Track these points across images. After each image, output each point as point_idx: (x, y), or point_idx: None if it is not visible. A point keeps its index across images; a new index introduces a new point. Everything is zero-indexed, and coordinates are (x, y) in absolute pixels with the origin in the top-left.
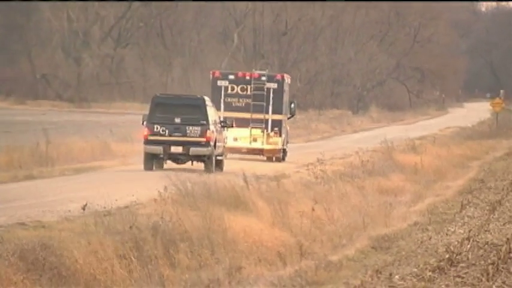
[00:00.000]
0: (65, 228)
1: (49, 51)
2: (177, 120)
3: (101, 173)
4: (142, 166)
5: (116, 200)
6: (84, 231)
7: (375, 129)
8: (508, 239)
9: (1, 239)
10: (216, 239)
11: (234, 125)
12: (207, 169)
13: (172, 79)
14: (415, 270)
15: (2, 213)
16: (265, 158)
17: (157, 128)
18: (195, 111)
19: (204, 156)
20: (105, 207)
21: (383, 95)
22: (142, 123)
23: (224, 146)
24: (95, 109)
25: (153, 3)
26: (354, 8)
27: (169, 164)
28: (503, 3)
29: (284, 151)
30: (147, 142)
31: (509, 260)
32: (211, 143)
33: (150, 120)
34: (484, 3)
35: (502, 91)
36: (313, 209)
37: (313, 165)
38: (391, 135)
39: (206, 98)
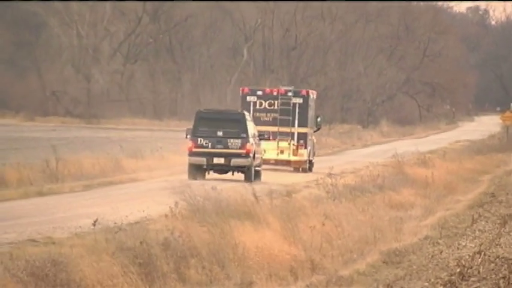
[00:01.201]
0: (75, 244)
1: (59, 68)
2: (219, 133)
3: (112, 189)
4: (158, 180)
5: (127, 216)
6: (94, 248)
7: (385, 143)
8: None
9: (11, 255)
10: (226, 255)
11: (271, 138)
12: (247, 179)
13: (182, 95)
14: (426, 284)
15: (13, 229)
16: (292, 169)
17: (200, 141)
18: (236, 125)
19: (244, 167)
20: (115, 223)
21: (393, 109)
22: (186, 137)
23: (262, 158)
24: (105, 125)
25: (162, 19)
26: (363, 23)
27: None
28: None
29: (310, 162)
30: (192, 154)
31: None
32: (251, 155)
33: (194, 134)
34: (494, 17)
35: None
36: (323, 224)
37: (323, 180)
38: (401, 150)
39: (246, 112)
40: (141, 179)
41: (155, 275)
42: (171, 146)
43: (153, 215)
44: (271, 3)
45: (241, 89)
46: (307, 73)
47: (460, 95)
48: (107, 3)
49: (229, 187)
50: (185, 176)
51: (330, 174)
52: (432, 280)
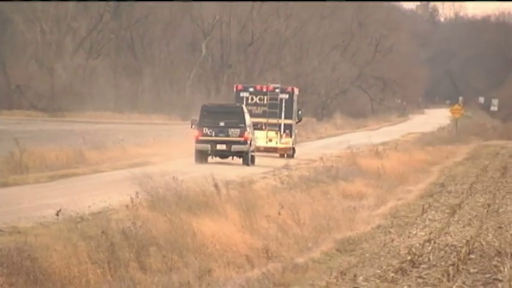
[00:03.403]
0: (40, 233)
1: (23, 63)
2: (221, 124)
3: (75, 180)
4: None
5: (89, 206)
6: (58, 237)
7: (338, 135)
8: (467, 241)
9: None
10: (185, 243)
11: (264, 128)
12: (245, 162)
13: (143, 89)
14: (379, 271)
15: None
16: (278, 155)
17: (205, 130)
18: (235, 116)
19: (243, 152)
20: (78, 213)
21: (346, 102)
22: (191, 127)
23: (256, 145)
24: (68, 118)
25: (123, 16)
26: (317, 20)
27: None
28: (462, 12)
29: (293, 149)
30: (198, 141)
31: (468, 261)
32: (248, 142)
33: (200, 124)
34: (443, 14)
35: (460, 98)
36: (279, 213)
37: (278, 171)
38: (354, 141)
39: (243, 106)
40: (103, 170)
41: (117, 263)
42: (132, 138)
43: (115, 205)
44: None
45: (235, 86)
46: (263, 68)
47: (411, 89)
48: (70, 2)
49: (189, 178)
50: (147, 167)
51: (285, 166)
52: (384, 267)
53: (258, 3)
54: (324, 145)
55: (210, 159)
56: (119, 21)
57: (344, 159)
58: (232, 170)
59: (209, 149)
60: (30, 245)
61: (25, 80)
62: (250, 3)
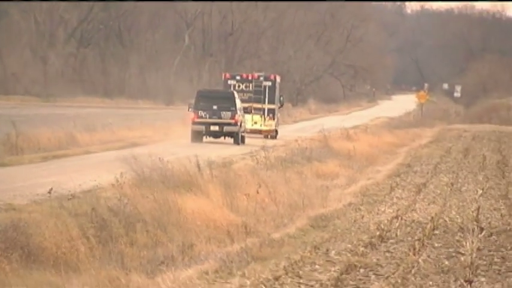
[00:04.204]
0: (33, 210)
1: (18, 51)
2: (215, 107)
3: (67, 160)
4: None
5: (80, 185)
6: (51, 213)
7: (312, 119)
8: (432, 217)
9: None
10: (170, 220)
11: (252, 111)
12: (235, 142)
13: (130, 76)
14: (349, 246)
15: None
16: (262, 136)
17: (200, 113)
18: (227, 101)
19: (233, 132)
20: (70, 191)
21: (320, 89)
22: (188, 110)
23: (245, 126)
24: (60, 103)
25: (112, 8)
26: (293, 11)
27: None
28: (427, 5)
29: (276, 131)
30: (194, 123)
31: (433, 236)
32: (238, 124)
33: (196, 108)
34: (410, 6)
35: (426, 85)
36: (257, 192)
37: (256, 152)
38: (327, 125)
39: (235, 92)
40: (93, 152)
41: (106, 238)
42: (120, 122)
43: (104, 184)
44: None
45: (223, 74)
46: (242, 56)
47: (380, 76)
48: None
49: (174, 159)
50: (134, 148)
51: (263, 147)
52: (355, 242)
53: None
54: (298, 128)
55: (204, 138)
56: (108, 13)
57: (317, 141)
58: (214, 151)
59: (204, 130)
60: (24, 221)
61: (20, 67)
62: None
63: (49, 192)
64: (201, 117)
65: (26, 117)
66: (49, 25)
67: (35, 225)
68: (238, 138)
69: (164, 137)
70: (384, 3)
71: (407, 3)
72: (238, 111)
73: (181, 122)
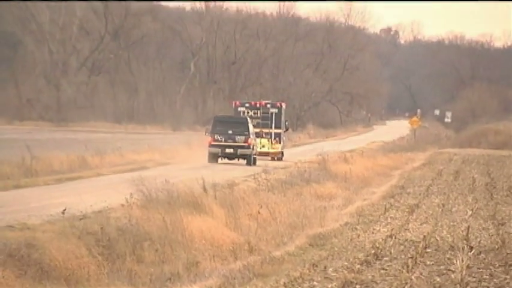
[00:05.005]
0: (47, 229)
1: (33, 79)
2: (230, 132)
3: (79, 182)
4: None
5: (91, 206)
6: (63, 232)
7: (311, 143)
8: (424, 236)
9: None
10: (176, 238)
11: (263, 136)
12: (248, 163)
13: (138, 102)
14: (346, 263)
15: None
16: (269, 158)
17: (217, 137)
18: (241, 126)
19: (247, 155)
20: (81, 212)
21: (318, 114)
22: (205, 134)
23: (257, 149)
24: (72, 128)
25: (122, 38)
26: (292, 41)
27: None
28: (420, 35)
29: (282, 153)
30: (211, 146)
31: (425, 254)
32: (251, 146)
33: (213, 132)
34: (403, 37)
35: (418, 111)
36: (259, 212)
37: (259, 175)
38: (325, 149)
39: (248, 118)
40: (104, 174)
41: (115, 256)
42: (129, 145)
43: (113, 205)
44: (214, 23)
45: (233, 102)
46: (245, 84)
47: (375, 103)
48: (74, 25)
49: (179, 181)
50: (142, 171)
51: (264, 170)
52: (351, 260)
53: (240, 25)
54: (298, 152)
55: (220, 160)
56: (118, 43)
57: (316, 164)
58: (218, 174)
59: (220, 152)
60: (38, 240)
61: (34, 94)
62: (234, 25)
63: (63, 213)
64: (218, 140)
65: (40, 142)
66: (62, 54)
67: (48, 243)
68: (250, 160)
69: (171, 161)
70: (378, 33)
71: (401, 34)
72: (251, 136)
73: (187, 146)
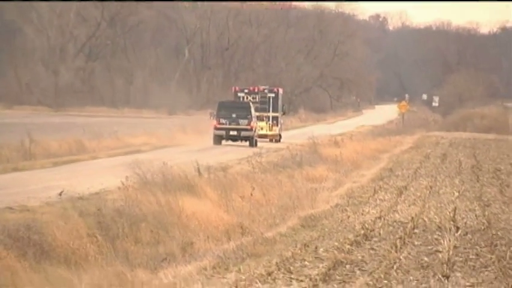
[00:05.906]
0: (45, 211)
1: (31, 65)
2: (234, 115)
3: (76, 165)
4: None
5: (88, 188)
6: (61, 214)
7: (302, 127)
8: (412, 217)
9: None
10: (171, 220)
11: (264, 119)
12: (250, 145)
13: (135, 87)
14: (336, 243)
15: None
16: (268, 140)
17: (221, 121)
18: (244, 110)
19: (249, 137)
20: (79, 194)
21: (309, 99)
22: (210, 118)
23: (257, 132)
24: (70, 113)
25: (118, 25)
26: (284, 28)
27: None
28: (408, 21)
29: (280, 136)
30: (216, 129)
31: (413, 235)
32: (253, 129)
33: (218, 116)
34: (392, 23)
35: (407, 95)
36: (251, 194)
37: (252, 158)
38: (316, 133)
39: (250, 103)
40: (101, 157)
41: (112, 236)
42: (125, 129)
43: (110, 187)
44: (208, 11)
45: (233, 88)
46: (238, 70)
47: (364, 88)
48: (72, 12)
49: (174, 164)
50: (138, 154)
51: (257, 153)
52: (341, 240)
53: (234, 12)
54: (289, 136)
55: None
56: (114, 30)
57: (307, 147)
58: (213, 157)
59: (224, 134)
60: (37, 221)
61: (33, 79)
62: (227, 11)
63: (60, 195)
64: (222, 123)
65: (38, 126)
66: (60, 41)
67: (47, 225)
68: (253, 142)
69: (166, 144)
70: (367, 20)
71: (389, 20)
72: (253, 119)
73: (182, 130)
